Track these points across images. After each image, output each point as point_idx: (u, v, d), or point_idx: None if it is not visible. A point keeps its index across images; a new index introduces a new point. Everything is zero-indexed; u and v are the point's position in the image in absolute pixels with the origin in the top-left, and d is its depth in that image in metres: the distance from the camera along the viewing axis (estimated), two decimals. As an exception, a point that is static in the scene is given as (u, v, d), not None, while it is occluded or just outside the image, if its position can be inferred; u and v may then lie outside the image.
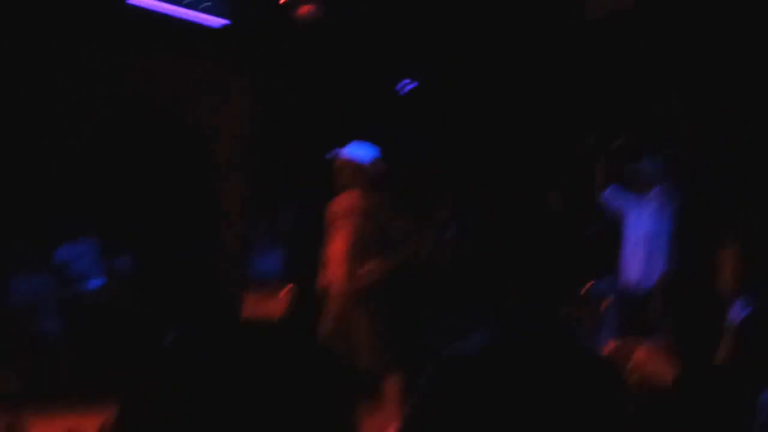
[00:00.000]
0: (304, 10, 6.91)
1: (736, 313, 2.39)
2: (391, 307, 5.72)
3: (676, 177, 5.93)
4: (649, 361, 3.21)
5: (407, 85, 8.49)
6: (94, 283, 7.90)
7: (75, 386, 7.03)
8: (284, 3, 6.94)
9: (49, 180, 7.77)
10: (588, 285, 6.38)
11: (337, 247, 5.71)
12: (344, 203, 5.78)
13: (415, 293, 7.76)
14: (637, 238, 6.05)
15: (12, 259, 7.40)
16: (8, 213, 7.53)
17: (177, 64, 7.69)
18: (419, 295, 7.80)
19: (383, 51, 7.95)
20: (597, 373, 2.08)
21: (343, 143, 7.64)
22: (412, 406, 2.06)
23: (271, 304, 6.89)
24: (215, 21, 7.53)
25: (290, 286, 6.91)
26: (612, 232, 6.23)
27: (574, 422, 1.97)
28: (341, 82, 8.31)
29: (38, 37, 7.22)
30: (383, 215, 5.64)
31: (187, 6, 7.28)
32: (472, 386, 2.01)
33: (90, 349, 7.28)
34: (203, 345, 0.98)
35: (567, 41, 7.36)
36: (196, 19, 7.41)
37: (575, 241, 2.27)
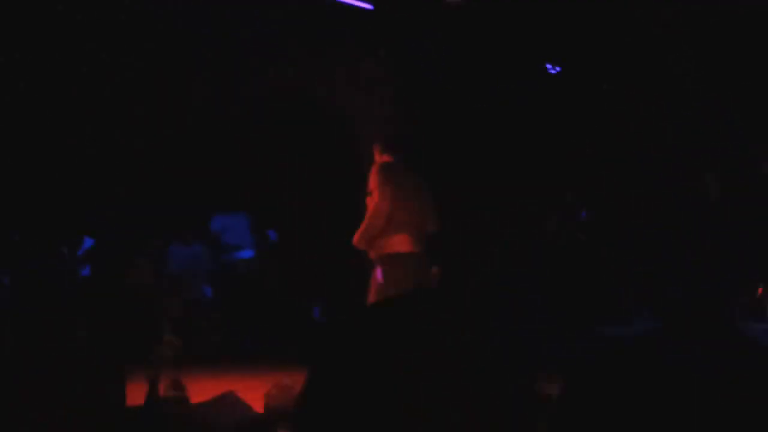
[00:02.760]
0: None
1: None
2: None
3: None
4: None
5: (551, 69, 8.52)
6: (245, 253, 8.31)
7: (228, 351, 7.48)
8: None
9: (204, 158, 8.20)
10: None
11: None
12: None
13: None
14: None
15: (170, 229, 7.87)
16: (167, 188, 7.98)
17: (324, 50, 7.94)
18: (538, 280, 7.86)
19: (524, 39, 7.99)
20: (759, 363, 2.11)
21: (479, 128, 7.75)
22: (568, 389, 2.12)
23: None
24: (361, 5, 7.78)
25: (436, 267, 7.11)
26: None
27: (735, 415, 2.03)
28: (484, 70, 8.40)
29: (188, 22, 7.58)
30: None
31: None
32: (631, 375, 2.09)
33: (241, 316, 7.68)
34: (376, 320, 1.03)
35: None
36: (344, 3, 7.68)
37: (734, 229, 2.28)
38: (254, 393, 5.78)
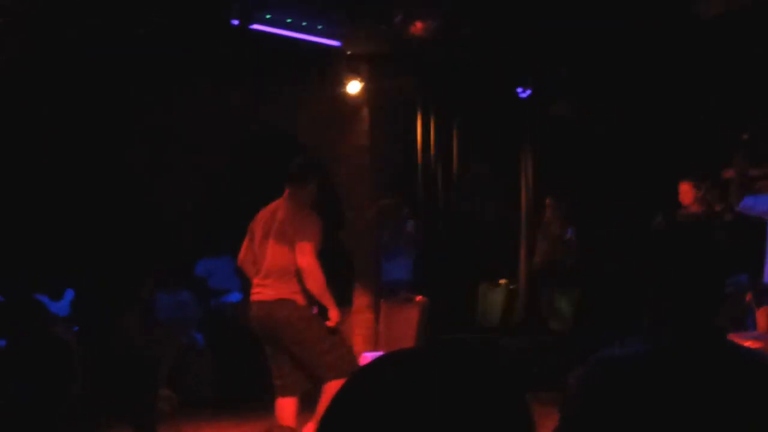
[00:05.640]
0: (418, 27, 7.12)
1: None
2: None
3: None
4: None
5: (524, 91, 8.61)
6: (233, 297, 8.28)
7: (222, 396, 7.45)
8: (397, 22, 7.16)
9: (187, 200, 8.21)
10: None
11: None
12: None
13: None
14: None
15: (156, 276, 7.85)
16: (151, 233, 7.97)
17: (296, 85, 8.00)
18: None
19: (500, 60, 8.09)
20: (751, 376, 2.18)
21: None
22: (567, 404, 2.16)
23: (405, 312, 7.17)
24: (329, 43, 7.86)
25: (422, 298, 7.16)
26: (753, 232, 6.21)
27: (731, 426, 2.09)
28: (461, 95, 8.50)
29: (169, 64, 7.60)
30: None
31: (304, 30, 7.62)
32: (629, 389, 2.07)
33: (232, 361, 7.65)
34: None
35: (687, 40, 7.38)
36: (312, 41, 7.75)
37: (708, 240, 2.30)
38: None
